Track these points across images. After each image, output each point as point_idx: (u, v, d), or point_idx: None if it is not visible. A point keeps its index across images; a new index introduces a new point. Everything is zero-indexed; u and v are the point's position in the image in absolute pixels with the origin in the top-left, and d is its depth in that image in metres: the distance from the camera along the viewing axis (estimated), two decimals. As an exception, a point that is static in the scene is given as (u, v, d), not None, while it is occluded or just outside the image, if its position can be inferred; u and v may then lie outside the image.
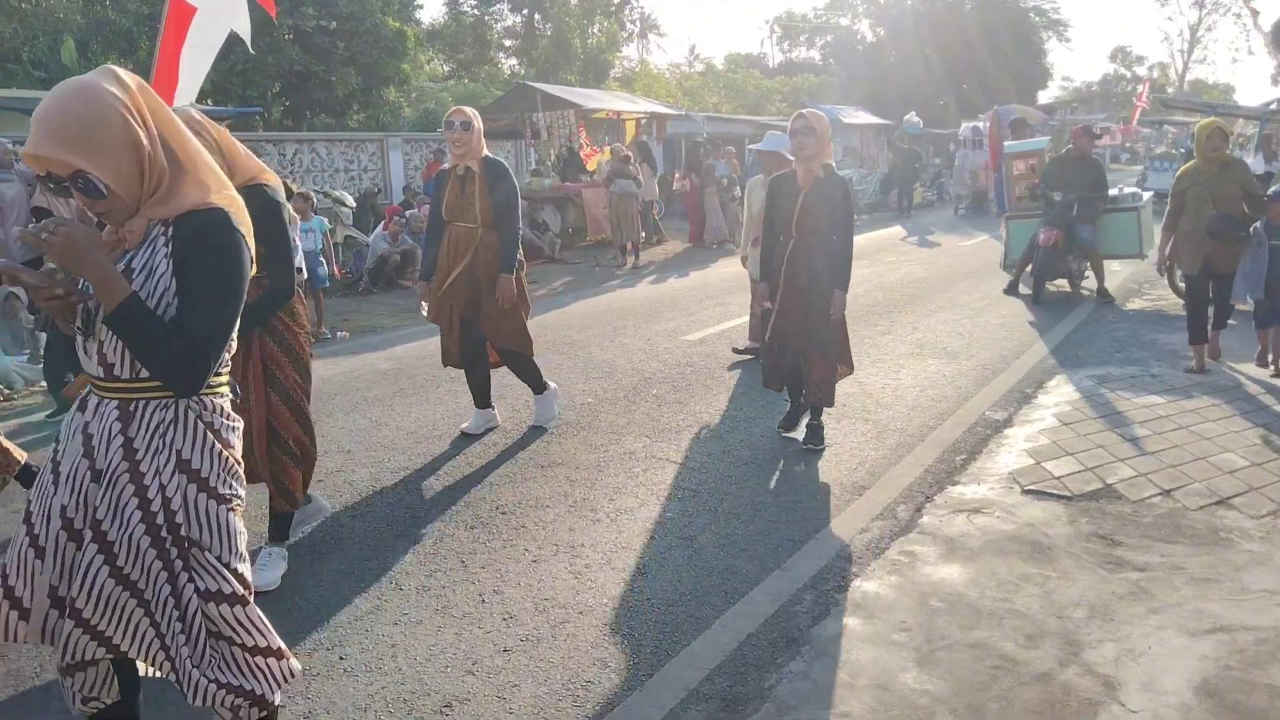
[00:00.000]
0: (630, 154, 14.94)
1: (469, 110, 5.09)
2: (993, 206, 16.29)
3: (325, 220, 10.14)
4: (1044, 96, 43.66)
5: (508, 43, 36.87)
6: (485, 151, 5.12)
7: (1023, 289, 9.81)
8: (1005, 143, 12.36)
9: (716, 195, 15.63)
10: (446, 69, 37.42)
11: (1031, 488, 4.43)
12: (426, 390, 6.64)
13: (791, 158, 5.11)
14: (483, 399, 5.55)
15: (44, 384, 7.05)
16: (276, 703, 2.15)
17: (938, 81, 37.53)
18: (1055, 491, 4.37)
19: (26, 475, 4.17)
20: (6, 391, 6.95)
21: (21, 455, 4.20)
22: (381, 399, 6.52)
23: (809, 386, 5.10)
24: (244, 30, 7.01)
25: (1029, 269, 9.66)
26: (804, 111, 4.89)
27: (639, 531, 4.13)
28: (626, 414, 5.96)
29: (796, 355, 5.08)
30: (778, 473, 4.84)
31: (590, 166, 17.66)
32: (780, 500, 4.46)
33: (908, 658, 3.03)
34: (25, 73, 23.49)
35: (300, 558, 3.89)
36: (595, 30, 35.63)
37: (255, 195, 3.11)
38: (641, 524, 4.21)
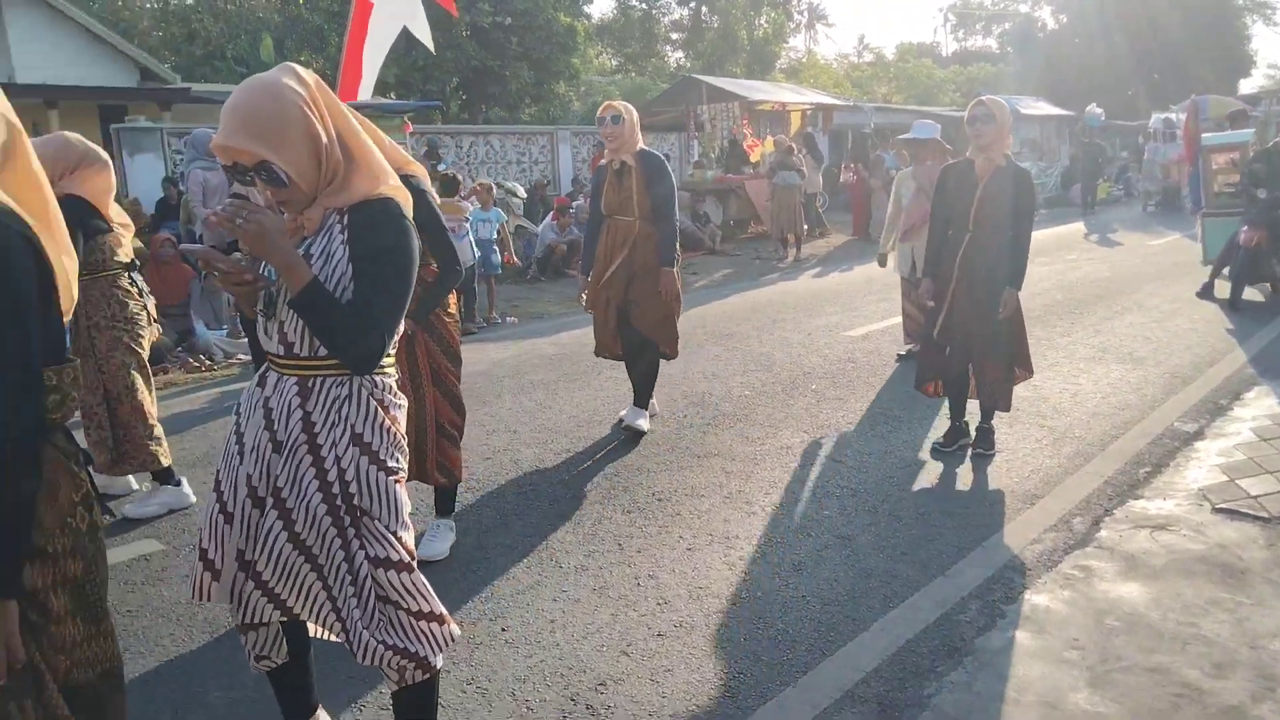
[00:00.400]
0: (794, 145, 14.75)
1: (619, 104, 5.11)
2: (1186, 203, 15.17)
3: (501, 211, 10.50)
4: (1246, 85, 40.28)
5: (674, 36, 37.10)
6: (641, 145, 5.14)
7: (1219, 293, 9.10)
8: (1203, 135, 11.47)
9: (884, 188, 15.23)
10: (614, 63, 38.01)
11: (1224, 506, 4.11)
12: (589, 376, 6.79)
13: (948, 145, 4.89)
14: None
15: (242, 356, 7.63)
16: (438, 666, 2.25)
17: (1123, 71, 35.24)
18: (1251, 512, 4.04)
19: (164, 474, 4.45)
20: (208, 363, 7.56)
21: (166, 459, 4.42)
22: (546, 383, 6.71)
23: (982, 389, 4.88)
24: (422, 32, 7.30)
25: (1226, 271, 8.96)
26: (984, 98, 4.66)
27: (794, 527, 4.09)
28: (784, 408, 5.91)
29: (966, 357, 4.85)
30: (943, 476, 4.69)
31: (753, 158, 17.55)
32: (946, 505, 4.31)
33: (1079, 677, 2.88)
34: (229, 69, 25.35)
35: (467, 531, 4.06)
36: (762, 22, 35.35)
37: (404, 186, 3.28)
38: (797, 520, 4.17)
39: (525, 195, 14.51)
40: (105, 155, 4.13)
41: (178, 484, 4.45)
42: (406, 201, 2.14)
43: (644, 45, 35.22)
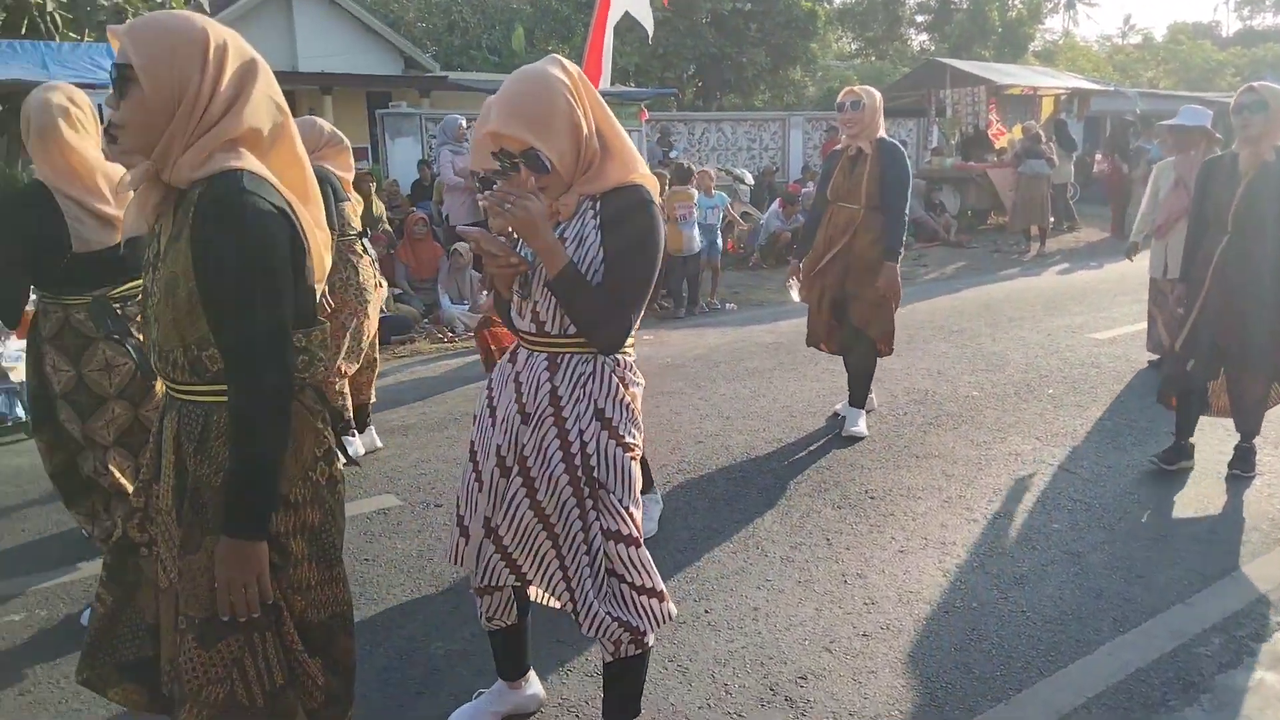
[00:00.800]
0: (1043, 132, 13.83)
1: (860, 89, 4.97)
2: None
3: (725, 196, 10.55)
4: None
5: (920, 18, 35.65)
6: (881, 133, 4.98)
7: None
8: None
9: (1144, 181, 13.98)
10: (853, 47, 37.08)
11: None
12: (805, 366, 6.70)
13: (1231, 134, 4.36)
14: None
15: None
16: (650, 643, 2.32)
17: None
18: None
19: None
20: (450, 334, 8.09)
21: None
22: (761, 371, 6.69)
23: (1238, 409, 4.39)
24: (643, 15, 7.39)
25: None
26: (1255, 85, 4.12)
27: (1018, 538, 3.87)
28: (1015, 412, 5.58)
29: (1211, 372, 4.35)
30: (1191, 497, 4.28)
31: (998, 145, 16.62)
32: (1191, 528, 3.94)
33: (1345, 735, 2.56)
34: (484, 58, 26.85)
35: (676, 512, 4.13)
36: (1016, 2, 33.30)
37: None
38: (1022, 531, 3.94)
39: (753, 182, 14.47)
40: (345, 137, 4.69)
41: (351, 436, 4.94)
42: (655, 189, 2.20)
43: (887, 28, 34.08)
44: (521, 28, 25.09)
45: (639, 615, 2.25)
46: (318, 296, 1.93)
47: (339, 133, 4.68)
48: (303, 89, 21.83)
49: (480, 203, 2.14)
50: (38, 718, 2.78)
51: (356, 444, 4.95)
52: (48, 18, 8.44)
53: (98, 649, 1.97)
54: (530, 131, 2.03)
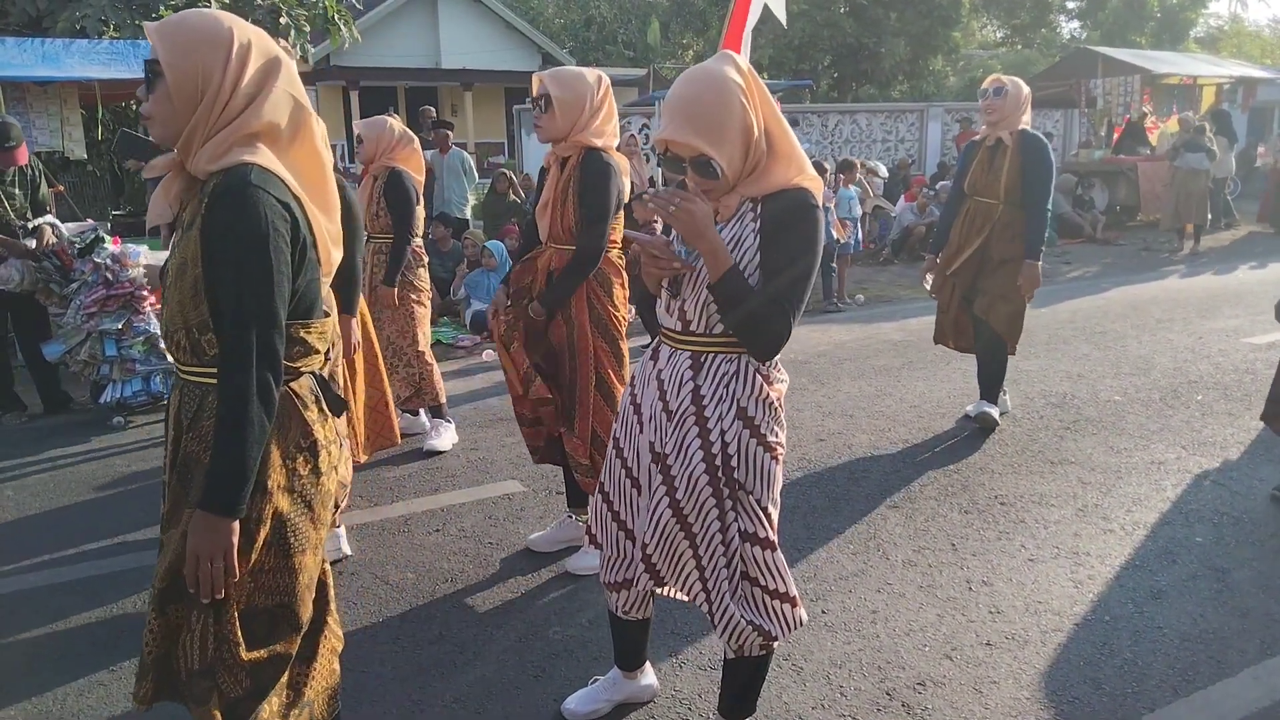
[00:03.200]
0: (1205, 124, 12.99)
1: (1005, 78, 4.79)
2: None
3: (855, 189, 10.35)
4: None
5: (1070, 5, 33.97)
6: (1024, 124, 4.79)
7: None
8: None
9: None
10: (999, 35, 35.67)
11: None
12: (935, 365, 6.53)
13: None
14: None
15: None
16: (776, 645, 2.30)
17: None
18: None
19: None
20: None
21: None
22: (889, 369, 6.55)
23: None
24: (778, 8, 7.29)
25: None
26: None
27: (1158, 551, 3.67)
28: (1160, 418, 5.29)
29: None
30: (1358, 516, 3.97)
31: (1153, 139, 15.71)
32: (1357, 549, 3.66)
33: None
34: (619, 52, 27.10)
35: (795, 509, 4.10)
36: (1178, -15, 31.34)
37: (593, 160, 3.31)
38: (1162, 543, 3.74)
39: (887, 175, 14.13)
40: (415, 138, 4.70)
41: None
42: (820, 191, 2.14)
43: (1035, 16, 32.61)
44: (657, 21, 25.19)
45: (771, 620, 2.24)
46: (323, 289, 1.96)
47: (410, 133, 4.67)
48: (445, 85, 22.57)
49: (647, 203, 2.13)
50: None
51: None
52: None
53: None
54: (702, 138, 1.99)
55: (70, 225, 5.90)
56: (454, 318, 8.44)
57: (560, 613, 3.31)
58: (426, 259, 4.92)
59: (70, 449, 5.24)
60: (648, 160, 11.52)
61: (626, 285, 3.51)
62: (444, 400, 4.98)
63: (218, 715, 1.85)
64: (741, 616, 2.19)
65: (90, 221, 6.43)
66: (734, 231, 2.10)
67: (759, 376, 2.17)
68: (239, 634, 1.84)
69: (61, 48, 7.88)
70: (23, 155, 5.58)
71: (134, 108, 10.19)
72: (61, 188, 8.02)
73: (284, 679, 1.95)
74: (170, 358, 1.92)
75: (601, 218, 3.33)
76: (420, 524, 4.10)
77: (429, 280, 4.98)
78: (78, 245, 5.63)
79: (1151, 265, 11.27)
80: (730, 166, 2.03)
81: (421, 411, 5.17)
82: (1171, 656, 2.95)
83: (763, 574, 2.21)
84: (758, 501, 2.19)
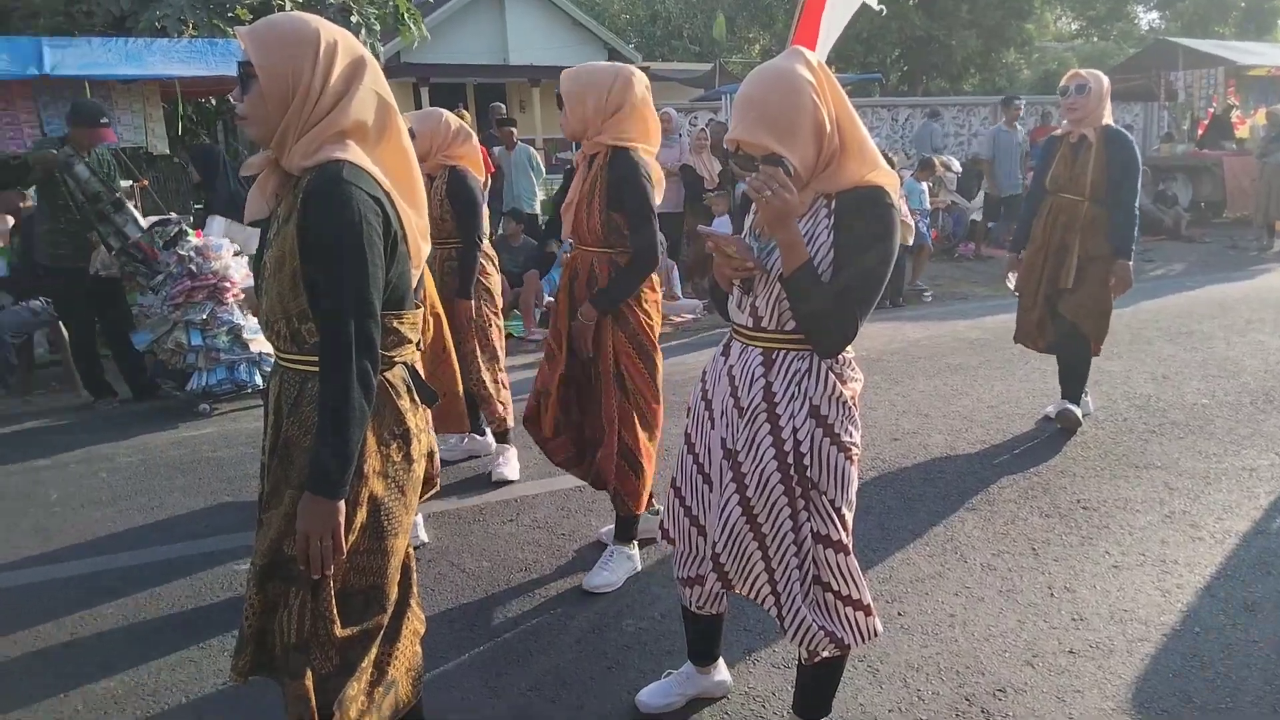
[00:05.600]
0: (1299, 117, 12.47)
1: (1086, 73, 4.65)
2: None
3: (923, 185, 10.17)
4: None
5: (1149, -5, 32.96)
6: (1107, 119, 4.65)
7: None
8: None
9: None
10: (1074, 27, 34.77)
11: None
12: (1013, 365, 6.39)
13: None
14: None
15: (673, 317, 8.22)
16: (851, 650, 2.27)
17: None
18: None
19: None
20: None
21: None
22: (965, 367, 6.43)
23: None
24: None
25: None
26: None
27: (1252, 561, 3.54)
28: (1251, 423, 5.11)
29: None
30: None
31: (1240, 133, 15.14)
32: None
33: None
34: (684, 47, 27.04)
35: (869, 510, 4.04)
36: (1267, -28, 30.17)
37: (619, 160, 3.22)
38: (1255, 553, 3.61)
39: (960, 170, 13.86)
40: (472, 133, 4.43)
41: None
42: (895, 189, 2.11)
43: (1111, 7, 31.71)
44: (723, 16, 25.06)
45: (843, 626, 2.20)
46: (414, 281, 2.01)
47: (468, 127, 4.36)
48: (513, 82, 22.76)
49: (746, 183, 2.06)
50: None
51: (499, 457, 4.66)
52: None
53: None
54: (773, 137, 1.98)
55: (155, 219, 6.09)
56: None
57: (633, 605, 3.32)
58: (497, 259, 4.65)
59: (159, 435, 5.41)
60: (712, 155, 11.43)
61: (657, 288, 3.46)
62: (510, 425, 4.57)
63: (310, 689, 1.90)
64: (813, 621, 2.16)
65: (173, 215, 6.62)
66: (808, 227, 2.08)
67: (832, 374, 2.14)
68: (334, 612, 1.91)
69: (144, 46, 8.11)
70: (111, 135, 5.90)
71: (213, 103, 10.49)
72: (146, 181, 8.25)
73: (370, 658, 2.00)
74: (270, 346, 1.98)
75: (648, 215, 3.25)
76: (494, 514, 4.14)
77: (499, 282, 4.64)
78: (161, 239, 5.80)
79: (1239, 263, 10.88)
80: (803, 164, 2.01)
81: (488, 432, 4.82)
82: (1268, 672, 2.84)
83: (835, 578, 2.18)
84: (831, 502, 2.16)
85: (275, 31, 1.83)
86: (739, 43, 29.40)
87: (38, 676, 2.97)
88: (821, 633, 2.16)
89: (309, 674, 1.90)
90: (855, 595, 2.19)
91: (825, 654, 2.24)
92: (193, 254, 5.74)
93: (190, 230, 5.93)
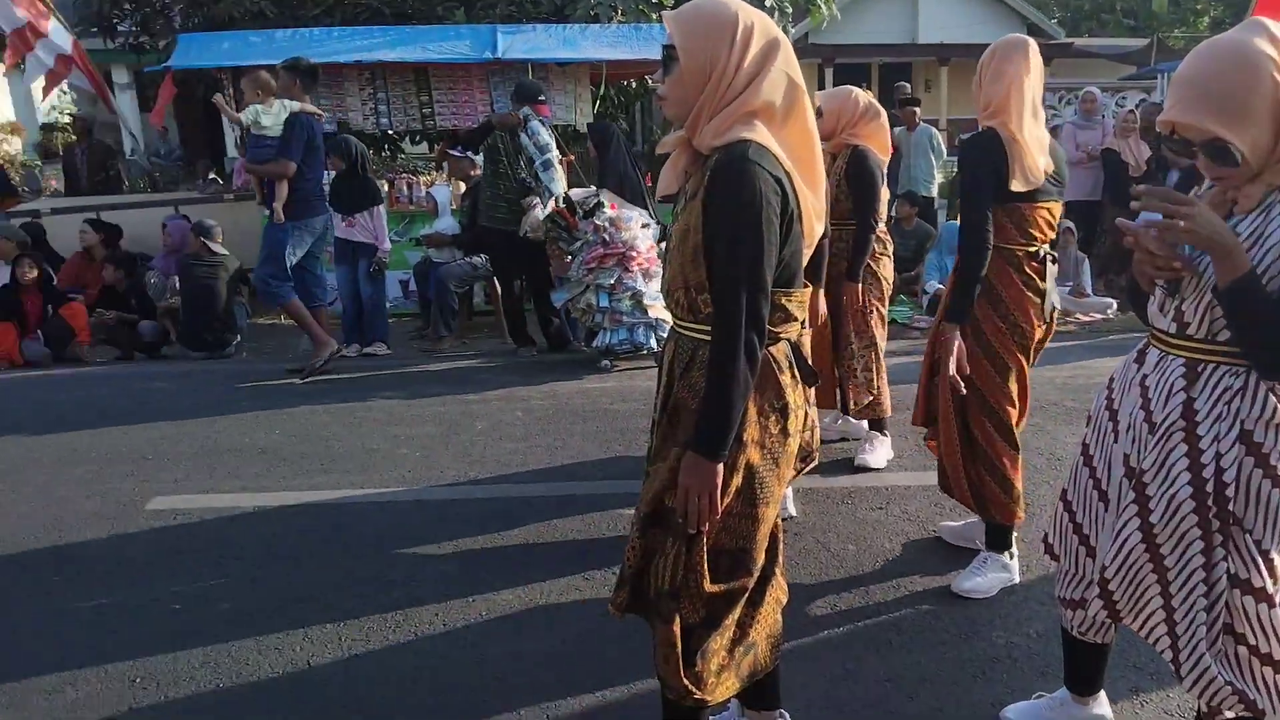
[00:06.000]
0: None
1: None
2: None
3: None
4: None
5: None
6: None
7: None
8: None
9: None
10: None
11: None
12: None
13: None
14: None
15: (1082, 316, 7.57)
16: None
17: None
18: None
19: None
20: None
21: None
22: None
23: None
24: None
25: None
26: None
27: None
28: None
29: None
30: None
31: None
32: None
33: None
34: (1116, 22, 24.53)
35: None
36: None
37: None
38: None
39: None
40: (881, 111, 4.25)
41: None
42: None
43: None
44: (1167, -15, 22.36)
45: (1259, 688, 1.90)
46: (804, 261, 2.04)
47: (877, 105, 4.24)
48: (919, 61, 22.11)
49: (1121, 227, 1.87)
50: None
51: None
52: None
53: None
54: (1218, 120, 1.74)
55: (576, 191, 6.73)
56: (911, 297, 8.31)
57: (1006, 617, 3.14)
58: (891, 246, 4.53)
59: (566, 384, 6.05)
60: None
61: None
62: (888, 414, 4.50)
63: (677, 634, 2.03)
64: (1219, 674, 1.89)
65: (593, 188, 7.27)
66: (1255, 226, 1.80)
67: (1272, 396, 1.84)
68: (704, 567, 2.02)
69: (578, 32, 8.96)
70: (547, 110, 6.67)
71: (633, 85, 11.31)
72: (572, 157, 9.12)
73: (733, 617, 2.10)
74: (668, 313, 2.14)
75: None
76: (864, 499, 4.12)
77: (892, 269, 4.55)
78: (581, 209, 6.41)
79: None
80: (1255, 151, 1.75)
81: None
82: None
83: (1253, 631, 1.88)
84: (1257, 544, 1.87)
85: (698, 15, 1.93)
86: (1184, 14, 26.07)
87: (453, 583, 3.46)
88: (1229, 689, 1.89)
89: (677, 620, 2.03)
90: (1277, 655, 1.89)
91: (1230, 714, 1.98)
92: (607, 224, 6.27)
93: (607, 203, 6.48)
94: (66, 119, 14.92)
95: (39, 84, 10.22)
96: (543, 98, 6.49)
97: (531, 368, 6.56)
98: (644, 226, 6.40)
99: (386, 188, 8.19)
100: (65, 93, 12.75)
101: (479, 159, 7.40)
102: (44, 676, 2.88)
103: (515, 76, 8.41)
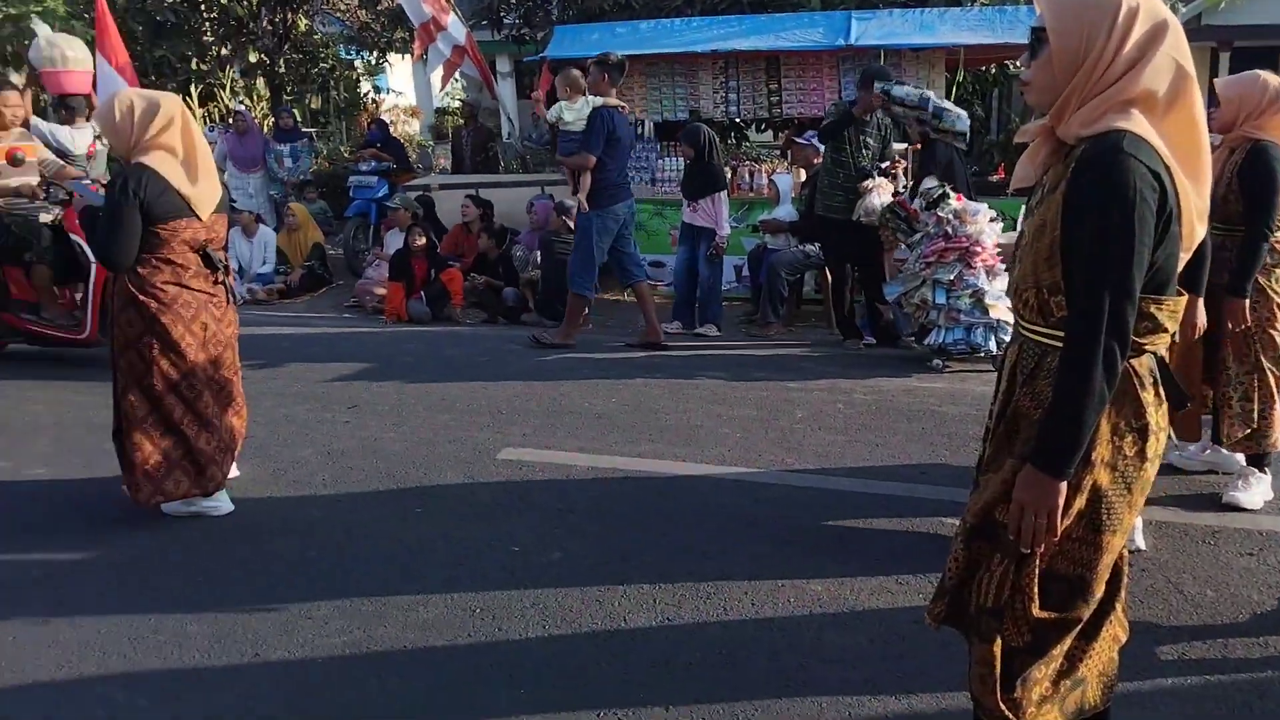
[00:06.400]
0: None
1: None
2: None
3: None
4: None
5: None
6: None
7: None
8: None
9: None
10: None
11: None
12: None
13: None
14: None
15: None
16: None
17: None
18: None
19: None
20: None
21: None
22: None
23: None
24: None
25: None
26: None
27: None
28: None
29: None
30: None
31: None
32: None
33: None
34: None
35: None
36: None
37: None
38: None
39: None
40: None
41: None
42: None
43: None
44: None
45: None
46: (1179, 265, 1.85)
47: None
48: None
49: None
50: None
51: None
52: None
53: None
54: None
55: (927, 181, 6.49)
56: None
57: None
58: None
59: (892, 380, 5.88)
60: None
61: None
62: (1276, 449, 3.88)
63: (996, 655, 1.93)
64: None
65: (936, 179, 6.99)
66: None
67: None
68: (1034, 590, 1.90)
69: (936, 16, 8.61)
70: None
71: (990, 71, 10.69)
72: (919, 145, 8.82)
73: (1062, 647, 1.96)
74: (1011, 314, 2.02)
75: None
76: (1231, 541, 3.63)
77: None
78: (925, 200, 6.17)
79: None
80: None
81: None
82: None
83: None
84: None
85: None
86: None
87: (763, 564, 3.50)
88: None
89: (998, 641, 1.93)
90: None
91: None
92: (951, 217, 5.99)
93: (952, 194, 6.19)
94: (457, 104, 16.87)
95: (438, 74, 11.57)
96: (883, 85, 6.37)
97: (857, 360, 6.44)
98: (992, 221, 6.05)
99: (729, 175, 8.39)
100: (457, 80, 14.32)
101: (823, 147, 7.38)
102: (401, 596, 3.29)
103: (865, 63, 8.27)
